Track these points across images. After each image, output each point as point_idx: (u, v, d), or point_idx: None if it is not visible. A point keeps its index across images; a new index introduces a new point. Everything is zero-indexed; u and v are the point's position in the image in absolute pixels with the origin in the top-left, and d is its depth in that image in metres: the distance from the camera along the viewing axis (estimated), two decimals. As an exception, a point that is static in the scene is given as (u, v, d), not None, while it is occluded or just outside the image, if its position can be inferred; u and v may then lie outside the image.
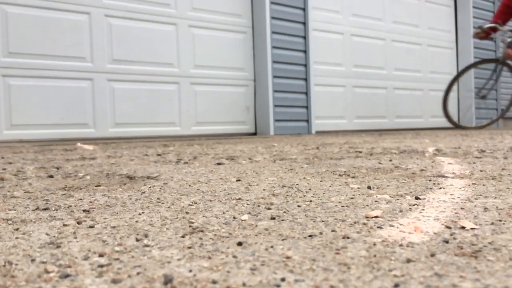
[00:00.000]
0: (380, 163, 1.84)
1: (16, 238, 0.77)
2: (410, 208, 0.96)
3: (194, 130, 4.58)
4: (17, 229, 0.83)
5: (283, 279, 0.56)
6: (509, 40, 5.06)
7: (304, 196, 1.14)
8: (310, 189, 1.23)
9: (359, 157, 2.09)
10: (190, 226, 0.83)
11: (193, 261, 0.63)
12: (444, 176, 1.43)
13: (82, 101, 3.99)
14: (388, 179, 1.40)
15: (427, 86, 5.88)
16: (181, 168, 1.77)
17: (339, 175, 1.50)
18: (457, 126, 5.29)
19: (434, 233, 0.76)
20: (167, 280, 0.56)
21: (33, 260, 0.64)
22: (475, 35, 5.22)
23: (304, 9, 5.01)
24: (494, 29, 5.15)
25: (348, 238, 0.74)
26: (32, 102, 3.76)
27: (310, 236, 0.75)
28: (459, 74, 5.19)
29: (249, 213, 0.94)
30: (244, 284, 0.54)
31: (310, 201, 1.07)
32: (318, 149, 2.58)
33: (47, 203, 1.08)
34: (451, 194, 1.12)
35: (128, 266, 0.62)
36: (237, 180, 1.42)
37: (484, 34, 5.14)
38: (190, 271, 0.59)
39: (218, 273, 0.58)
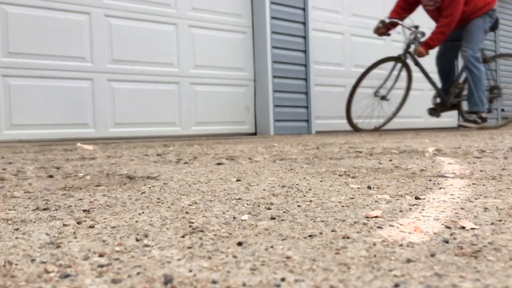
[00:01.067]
0: (380, 163, 1.84)
1: (16, 238, 0.77)
2: (410, 208, 0.96)
3: (194, 130, 4.59)
4: (17, 229, 0.83)
5: (283, 279, 0.56)
6: (419, 36, 4.82)
7: (304, 196, 1.13)
8: (310, 189, 1.23)
9: (359, 157, 2.09)
10: (190, 226, 0.83)
11: (193, 261, 0.63)
12: (444, 176, 1.43)
13: (82, 101, 3.99)
14: (388, 179, 1.40)
15: (427, 86, 5.87)
16: (181, 168, 1.77)
17: (339, 175, 1.50)
18: (355, 129, 4.96)
19: (434, 233, 0.76)
20: (167, 280, 0.56)
21: (33, 260, 0.64)
22: (376, 30, 4.90)
23: (304, 9, 5.01)
24: (394, 25, 4.88)
25: (348, 238, 0.74)
26: (32, 102, 3.76)
27: (310, 236, 0.75)
28: (364, 74, 4.86)
29: (249, 213, 0.94)
30: (244, 284, 0.54)
31: (310, 201, 1.07)
32: (318, 149, 2.58)
33: (47, 203, 1.08)
34: (451, 194, 1.12)
35: (128, 266, 0.62)
36: (237, 180, 1.42)
37: (385, 29, 4.86)
38: (190, 271, 0.59)
39: (218, 273, 0.58)
